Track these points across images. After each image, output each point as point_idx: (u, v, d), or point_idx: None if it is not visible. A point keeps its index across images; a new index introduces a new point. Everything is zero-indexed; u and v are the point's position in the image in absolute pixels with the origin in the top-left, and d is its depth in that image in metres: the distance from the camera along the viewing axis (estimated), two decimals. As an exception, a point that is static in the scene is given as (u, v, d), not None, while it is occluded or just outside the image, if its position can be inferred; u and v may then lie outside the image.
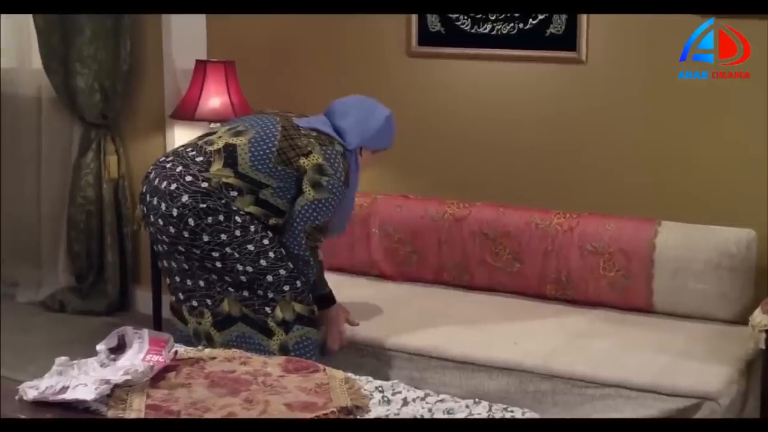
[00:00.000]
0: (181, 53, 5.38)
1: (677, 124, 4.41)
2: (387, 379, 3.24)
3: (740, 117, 4.29)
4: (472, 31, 4.73)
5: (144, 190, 3.85)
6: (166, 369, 3.14)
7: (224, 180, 3.71)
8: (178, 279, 3.88)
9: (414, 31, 4.87)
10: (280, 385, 3.06)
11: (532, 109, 4.70)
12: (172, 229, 3.71)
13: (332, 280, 4.65)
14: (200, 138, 3.94)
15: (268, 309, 3.78)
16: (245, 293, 3.77)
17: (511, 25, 4.63)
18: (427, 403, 3.03)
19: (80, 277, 5.84)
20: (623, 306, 4.29)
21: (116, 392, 2.98)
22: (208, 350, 3.42)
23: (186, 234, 3.70)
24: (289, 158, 3.77)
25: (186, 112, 5.06)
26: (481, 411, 2.97)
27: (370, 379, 3.22)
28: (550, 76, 4.63)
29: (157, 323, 5.15)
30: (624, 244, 4.26)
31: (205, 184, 3.70)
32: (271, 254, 3.74)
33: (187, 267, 3.81)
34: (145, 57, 5.51)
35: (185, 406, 2.90)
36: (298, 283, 3.80)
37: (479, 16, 4.68)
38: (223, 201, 3.69)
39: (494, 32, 4.67)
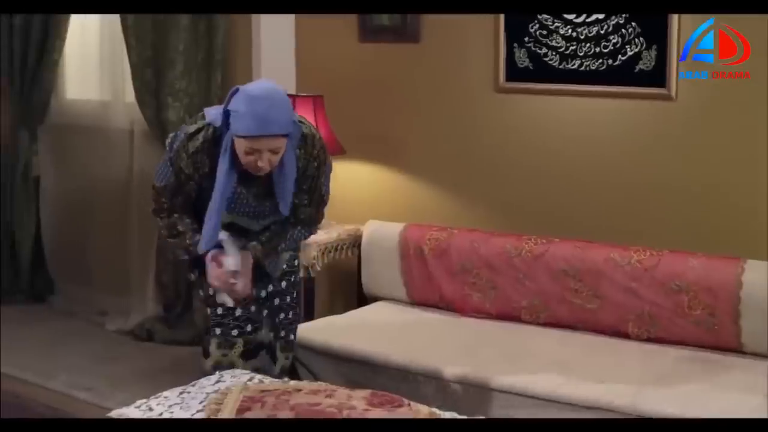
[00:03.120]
0: (271, 87, 5.43)
1: (763, 163, 4.33)
2: (472, 416, 3.22)
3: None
4: (561, 66, 4.72)
5: None
6: (251, 400, 3.17)
7: None
8: None
9: (502, 66, 4.86)
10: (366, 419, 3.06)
11: (619, 146, 4.66)
12: None
13: (409, 314, 4.64)
14: None
15: None
16: None
17: (600, 60, 4.61)
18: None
19: (168, 307, 5.90)
20: (710, 345, 4.21)
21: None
22: (293, 382, 3.43)
23: None
24: None
25: (274, 146, 5.10)
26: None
27: (455, 414, 3.20)
28: (638, 112, 4.59)
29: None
30: (710, 282, 4.18)
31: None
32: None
33: None
34: (236, 91, 5.57)
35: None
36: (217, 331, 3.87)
37: (568, 51, 4.66)
38: None
39: (582, 68, 4.65)
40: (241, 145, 3.45)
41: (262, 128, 3.40)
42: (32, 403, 4.87)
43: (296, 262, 4.01)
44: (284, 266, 3.92)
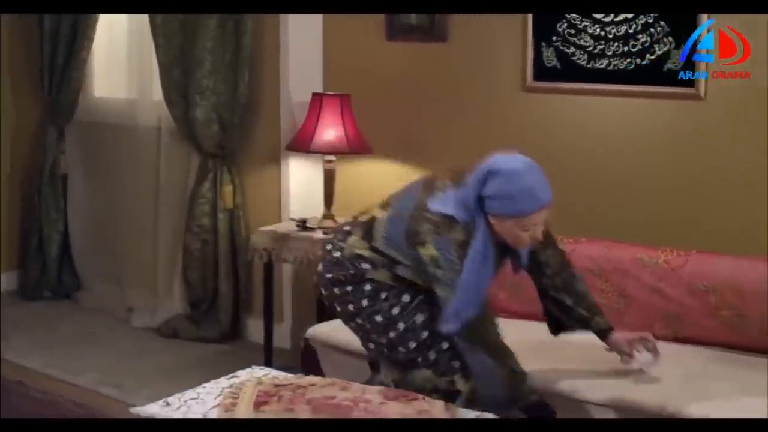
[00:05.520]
0: (298, 86, 5.45)
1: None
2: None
3: None
4: (589, 66, 4.69)
5: None
6: (267, 395, 3.17)
7: (357, 251, 3.62)
8: None
9: (530, 66, 4.85)
10: (381, 411, 3.06)
11: (646, 146, 4.62)
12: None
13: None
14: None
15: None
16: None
17: (629, 60, 4.58)
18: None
19: (194, 305, 5.91)
20: (738, 346, 4.15)
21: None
22: (308, 377, 3.42)
23: (326, 302, 3.77)
24: (414, 243, 3.48)
25: (302, 144, 5.11)
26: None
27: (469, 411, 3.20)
28: (667, 112, 4.56)
29: (267, 352, 5.20)
30: (738, 283, 4.13)
31: (337, 254, 3.66)
32: (401, 326, 3.59)
33: None
34: (263, 89, 5.59)
35: None
36: (431, 355, 3.58)
37: (596, 51, 4.64)
38: (352, 272, 3.61)
39: (611, 67, 4.63)
40: (513, 225, 3.40)
41: (542, 200, 3.42)
42: (60, 400, 4.89)
43: None
44: None
